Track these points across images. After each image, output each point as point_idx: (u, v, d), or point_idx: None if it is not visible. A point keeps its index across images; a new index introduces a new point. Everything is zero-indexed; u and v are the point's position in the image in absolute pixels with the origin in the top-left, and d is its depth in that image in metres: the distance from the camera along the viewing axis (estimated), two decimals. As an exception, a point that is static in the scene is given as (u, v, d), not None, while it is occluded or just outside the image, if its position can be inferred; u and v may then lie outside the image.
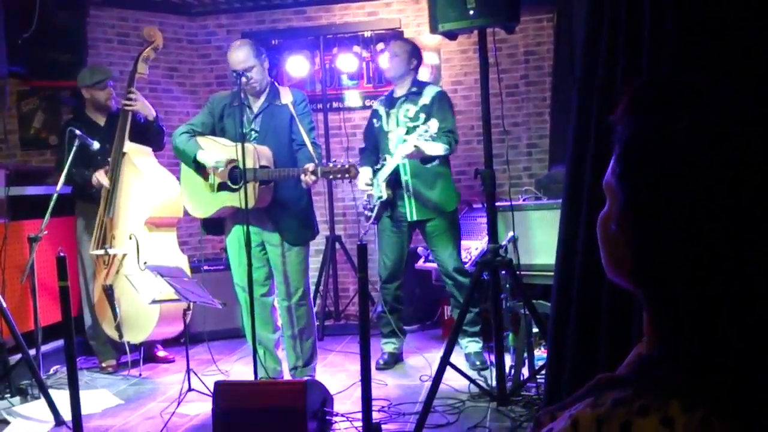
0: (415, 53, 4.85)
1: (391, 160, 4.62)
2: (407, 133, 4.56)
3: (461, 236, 4.98)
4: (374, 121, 4.92)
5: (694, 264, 0.78)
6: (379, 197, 4.74)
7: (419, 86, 4.81)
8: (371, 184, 4.76)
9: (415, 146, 4.35)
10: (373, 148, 4.96)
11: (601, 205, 0.91)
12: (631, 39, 2.45)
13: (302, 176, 3.90)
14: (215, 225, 4.36)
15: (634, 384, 0.77)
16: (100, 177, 4.86)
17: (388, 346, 4.99)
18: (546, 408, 0.87)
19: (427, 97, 4.72)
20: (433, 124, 4.26)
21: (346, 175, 3.87)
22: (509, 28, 3.77)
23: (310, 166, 3.88)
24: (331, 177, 3.93)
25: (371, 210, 4.83)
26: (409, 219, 4.73)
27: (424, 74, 6.39)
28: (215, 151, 4.13)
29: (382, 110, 4.87)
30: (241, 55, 4.12)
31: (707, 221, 0.76)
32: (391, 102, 4.84)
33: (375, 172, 4.79)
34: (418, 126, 4.46)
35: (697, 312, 0.79)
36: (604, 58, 2.57)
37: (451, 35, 3.87)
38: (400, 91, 4.84)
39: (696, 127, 0.79)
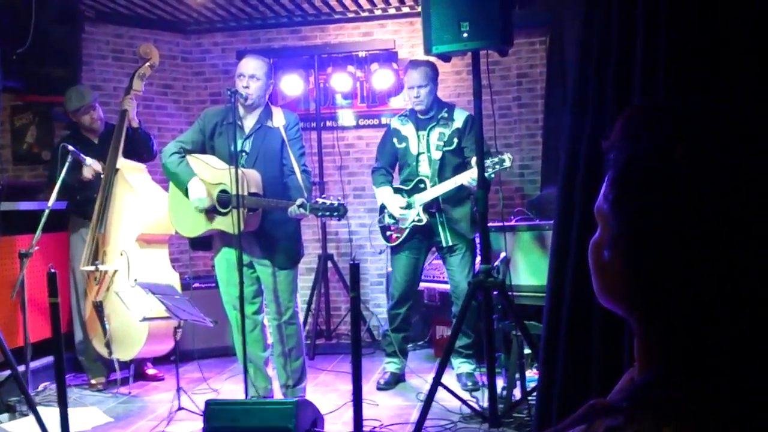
0: (436, 74, 4.78)
1: (444, 185, 4.56)
2: (444, 157, 4.62)
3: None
4: (395, 140, 4.84)
5: (690, 289, 0.78)
6: (417, 220, 4.68)
7: (448, 109, 4.77)
8: (406, 207, 4.70)
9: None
10: (390, 166, 4.95)
11: (592, 226, 0.91)
12: (622, 62, 2.47)
13: (290, 209, 3.89)
14: (203, 241, 4.35)
15: (627, 411, 0.77)
16: (94, 166, 4.85)
17: (391, 365, 4.98)
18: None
19: (459, 121, 4.69)
20: (508, 159, 4.25)
21: (335, 214, 3.83)
22: (503, 50, 3.80)
23: (299, 201, 3.85)
24: (319, 214, 3.89)
25: (398, 231, 4.77)
26: (443, 244, 4.70)
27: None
28: (206, 174, 4.13)
29: (409, 131, 4.79)
30: (255, 63, 4.16)
31: (704, 248, 0.77)
32: (418, 123, 4.77)
33: (395, 191, 4.79)
34: (453, 150, 4.62)
35: (690, 335, 0.80)
36: (596, 80, 2.59)
37: (444, 57, 3.90)
38: (427, 113, 4.76)
39: (691, 153, 0.79)
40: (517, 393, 4.01)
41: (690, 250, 0.77)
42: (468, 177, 4.39)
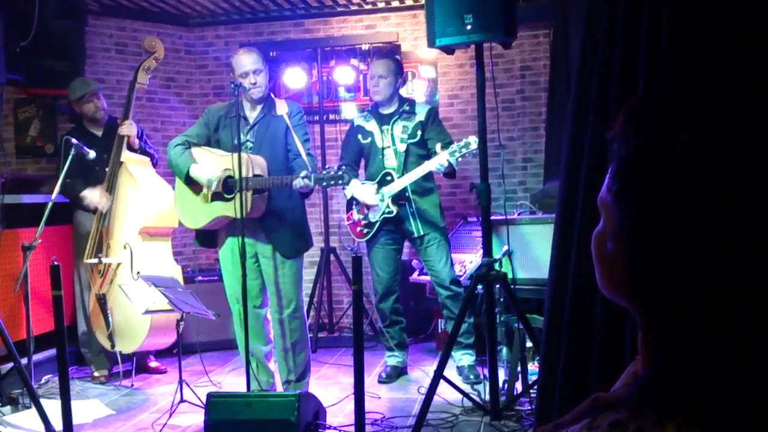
0: (399, 69, 4.88)
1: (412, 173, 4.62)
2: (409, 150, 4.71)
3: (455, 249, 4.99)
4: (359, 137, 4.89)
5: (691, 282, 0.78)
6: (387, 212, 4.72)
7: (410, 103, 4.85)
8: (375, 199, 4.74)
9: (448, 161, 4.41)
10: (354, 163, 4.97)
11: (595, 221, 0.91)
12: (627, 55, 2.46)
13: (295, 182, 3.90)
14: (209, 237, 4.35)
15: (630, 406, 0.76)
16: (92, 197, 4.89)
17: (392, 359, 4.99)
18: (543, 426, 0.86)
19: (421, 115, 4.78)
20: (473, 141, 4.31)
21: (339, 182, 3.89)
22: (506, 43, 3.78)
23: (303, 173, 3.88)
24: (324, 184, 3.92)
25: (369, 226, 4.82)
26: (415, 234, 4.74)
27: (420, 87, 6.44)
28: (210, 162, 4.14)
29: (372, 127, 4.85)
30: (252, 58, 4.17)
31: (706, 239, 0.77)
32: (381, 119, 4.84)
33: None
34: (417, 142, 4.70)
35: (693, 328, 0.79)
36: (600, 74, 2.58)
37: (448, 49, 3.89)
38: (388, 108, 4.84)
39: (694, 144, 0.79)
40: (518, 386, 4.01)
41: (694, 243, 0.77)
42: (436, 163, 4.47)
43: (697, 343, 0.79)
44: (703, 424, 0.73)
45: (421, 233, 4.73)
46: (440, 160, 4.42)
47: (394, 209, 4.71)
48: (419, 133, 4.73)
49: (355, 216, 4.88)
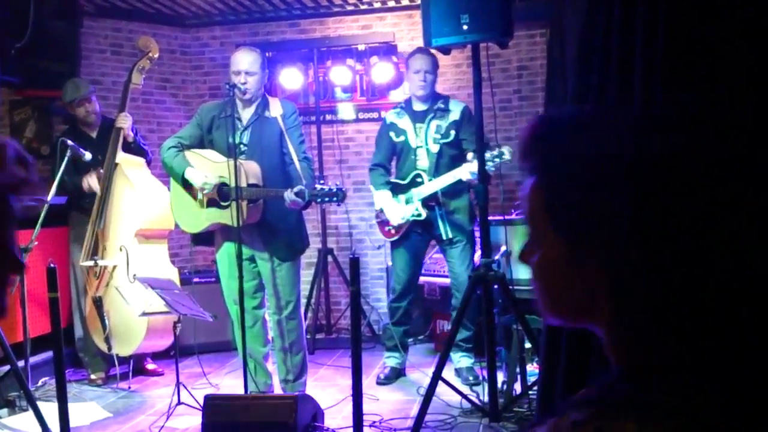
0: (438, 66, 4.82)
1: (442, 179, 4.54)
2: (442, 150, 4.62)
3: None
4: (392, 134, 4.82)
5: (690, 281, 0.77)
6: (417, 215, 4.66)
7: (443, 100, 4.77)
8: (405, 202, 4.69)
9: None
10: (387, 161, 4.93)
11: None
12: (624, 54, 2.45)
13: (285, 194, 3.87)
14: (205, 237, 4.34)
15: (593, 406, 0.77)
16: (91, 182, 4.87)
17: (391, 360, 4.97)
18: (533, 423, 0.87)
19: (456, 113, 4.69)
20: (507, 152, 4.21)
21: (335, 199, 3.84)
22: (503, 43, 3.78)
23: (296, 189, 3.84)
24: (318, 201, 3.88)
25: (397, 228, 4.78)
26: (444, 237, 4.68)
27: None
28: (204, 168, 4.12)
29: (406, 124, 4.78)
30: (250, 57, 4.14)
31: (704, 239, 0.77)
32: (415, 116, 4.77)
33: (393, 187, 4.78)
34: (450, 142, 4.61)
35: (691, 327, 0.79)
36: (597, 73, 2.57)
37: (444, 49, 3.89)
38: (422, 105, 4.77)
39: (694, 144, 0.79)
40: (517, 387, 4.01)
41: (693, 242, 0.77)
42: (467, 171, 4.37)
43: (696, 343, 0.79)
44: (703, 424, 0.73)
45: (450, 236, 4.67)
46: (472, 168, 4.25)
47: (424, 213, 4.65)
48: (453, 132, 4.65)
49: (381, 214, 4.84)
